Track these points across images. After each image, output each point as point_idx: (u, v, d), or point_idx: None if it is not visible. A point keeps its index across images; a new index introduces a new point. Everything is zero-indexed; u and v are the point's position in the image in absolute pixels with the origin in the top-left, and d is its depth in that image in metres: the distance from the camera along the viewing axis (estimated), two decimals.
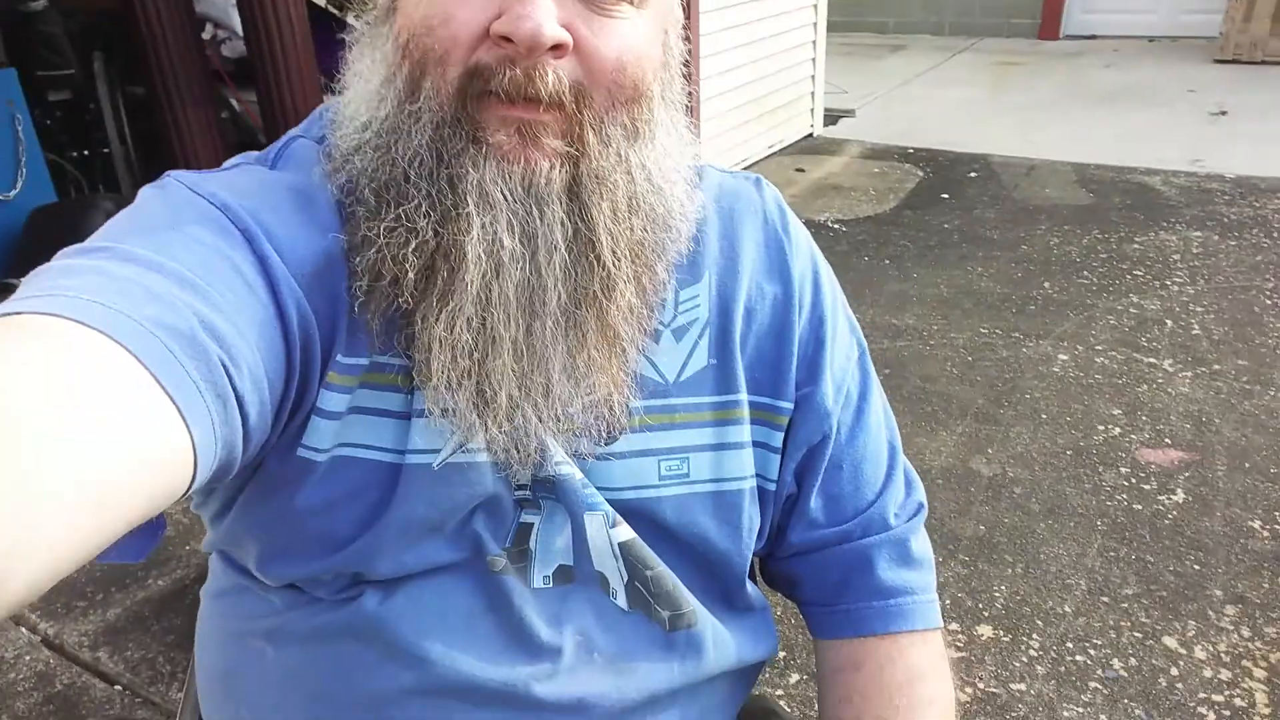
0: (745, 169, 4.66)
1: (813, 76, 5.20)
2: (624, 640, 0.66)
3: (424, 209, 0.55)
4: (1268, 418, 2.34)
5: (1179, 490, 2.08)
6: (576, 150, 0.57)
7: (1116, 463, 2.20)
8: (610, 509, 0.64)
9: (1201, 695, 1.54)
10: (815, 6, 5.03)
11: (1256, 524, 1.95)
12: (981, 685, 1.59)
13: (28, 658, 1.72)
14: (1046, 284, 3.24)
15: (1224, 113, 5.25)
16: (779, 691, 1.60)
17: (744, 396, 0.67)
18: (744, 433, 0.68)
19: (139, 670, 1.69)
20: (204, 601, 0.74)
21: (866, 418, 0.72)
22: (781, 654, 1.66)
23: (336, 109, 0.62)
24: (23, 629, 1.78)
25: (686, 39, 0.66)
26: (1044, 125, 5.23)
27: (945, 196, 4.20)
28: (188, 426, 0.45)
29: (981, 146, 4.87)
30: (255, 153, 0.67)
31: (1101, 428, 2.35)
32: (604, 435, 0.63)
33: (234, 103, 3.94)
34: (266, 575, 0.65)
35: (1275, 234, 3.53)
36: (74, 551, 0.40)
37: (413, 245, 0.55)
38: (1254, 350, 2.69)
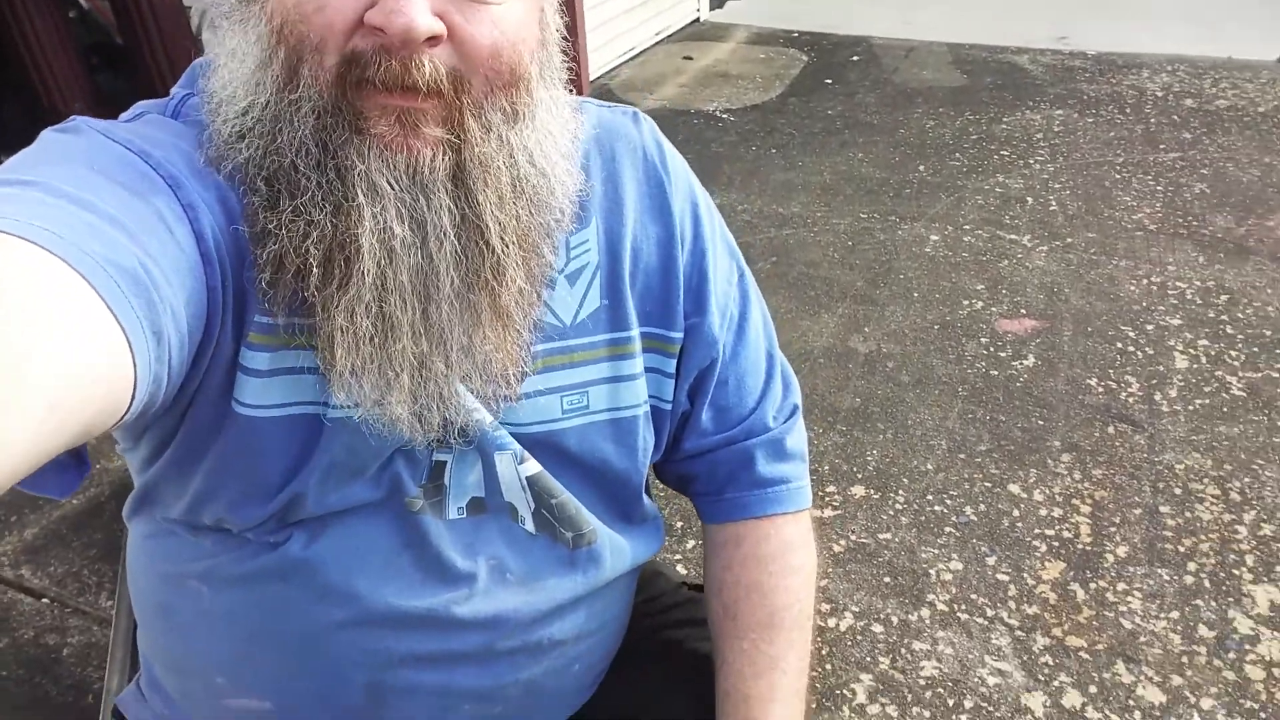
0: (633, 58, 4.64)
1: None
2: (532, 561, 0.74)
3: (318, 199, 0.57)
4: (1109, 285, 2.59)
5: (1030, 355, 2.32)
6: (458, 137, 0.59)
7: (978, 334, 2.42)
8: (518, 446, 0.70)
9: (1036, 531, 1.79)
10: None
11: (1093, 381, 2.20)
12: (854, 537, 1.80)
13: None
14: (921, 167, 3.41)
15: None
16: (677, 556, 1.77)
17: (635, 331, 0.73)
18: (637, 364, 0.74)
19: (65, 583, 1.74)
20: (132, 539, 0.78)
21: (747, 334, 0.80)
22: (679, 523, 1.83)
23: (208, 81, 0.62)
24: None
25: (563, 11, 0.67)
26: (922, 5, 5.32)
27: (829, 82, 4.29)
28: (133, 356, 0.48)
29: (863, 28, 4.95)
30: (153, 102, 0.68)
31: (966, 302, 2.56)
32: (513, 379, 0.67)
33: (81, 0, 3.66)
34: (196, 519, 0.69)
35: (1128, 110, 3.77)
36: (29, 457, 0.42)
37: (313, 237, 0.57)
38: (1102, 223, 2.93)
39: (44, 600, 1.71)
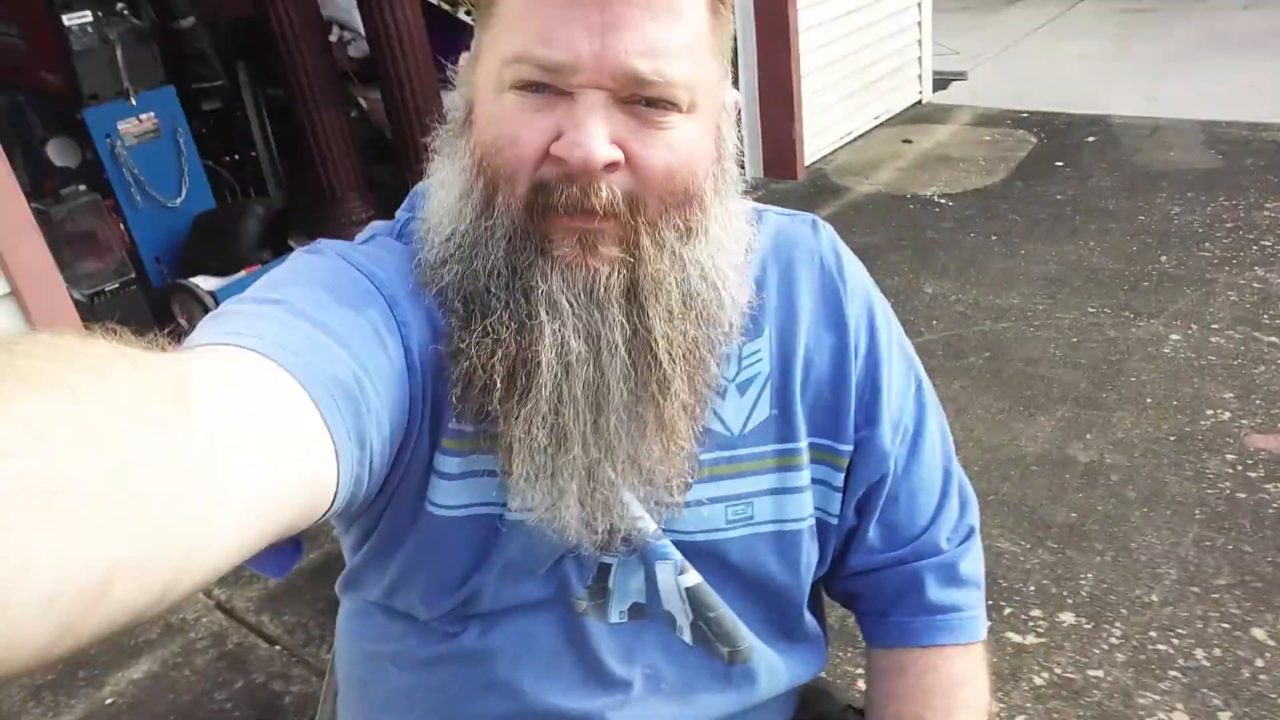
0: (851, 142, 4.64)
1: (919, 41, 5.08)
2: (687, 672, 0.76)
3: (504, 318, 0.63)
4: None
5: None
6: (632, 256, 0.64)
7: (1223, 449, 2.17)
8: (679, 556, 0.73)
9: None
10: None
11: None
12: (1059, 670, 1.65)
13: (205, 619, 2.02)
14: (1164, 257, 3.14)
15: None
16: (859, 670, 1.71)
17: (804, 443, 0.75)
18: (804, 476, 0.75)
19: (295, 633, 1.96)
20: (342, 613, 0.88)
21: (922, 449, 0.79)
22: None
23: (425, 205, 0.71)
24: (200, 593, 2.08)
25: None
26: (1171, 80, 4.95)
27: (1060, 164, 4.07)
28: (338, 464, 0.54)
29: (1102, 107, 4.66)
30: (383, 224, 0.78)
31: (1210, 412, 2.31)
32: (676, 490, 0.70)
33: (361, 101, 4.21)
34: (391, 603, 0.78)
35: None
36: (236, 555, 0.46)
37: (498, 355, 0.63)
38: None
39: (276, 647, 1.93)
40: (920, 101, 5.19)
